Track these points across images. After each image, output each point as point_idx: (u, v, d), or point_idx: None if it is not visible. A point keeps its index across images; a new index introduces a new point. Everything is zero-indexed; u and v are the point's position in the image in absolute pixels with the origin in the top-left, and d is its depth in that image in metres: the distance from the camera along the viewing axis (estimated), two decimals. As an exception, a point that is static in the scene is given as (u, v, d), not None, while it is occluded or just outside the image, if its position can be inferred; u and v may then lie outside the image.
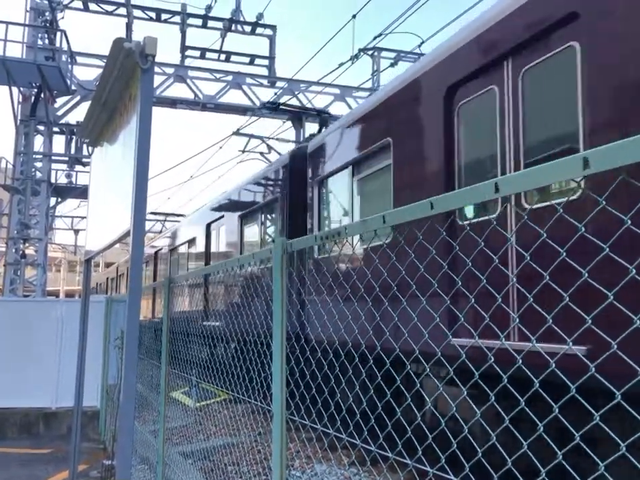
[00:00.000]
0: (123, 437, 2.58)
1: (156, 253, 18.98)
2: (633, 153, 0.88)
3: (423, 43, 14.18)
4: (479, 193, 1.17)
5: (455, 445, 1.63)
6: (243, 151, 17.60)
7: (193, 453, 5.94)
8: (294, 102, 17.70)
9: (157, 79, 16.37)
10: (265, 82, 17.41)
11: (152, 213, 25.68)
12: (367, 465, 5.08)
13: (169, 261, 16.85)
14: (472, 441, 1.79)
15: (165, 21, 16.72)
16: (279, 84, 17.42)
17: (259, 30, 17.26)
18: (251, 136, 17.11)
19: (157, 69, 17.27)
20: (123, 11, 16.14)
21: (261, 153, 17.78)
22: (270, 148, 17.48)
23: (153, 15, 16.53)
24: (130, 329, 2.59)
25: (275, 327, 1.89)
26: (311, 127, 17.01)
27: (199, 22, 16.83)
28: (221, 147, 20.11)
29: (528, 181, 1.10)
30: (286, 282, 1.90)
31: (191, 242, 14.39)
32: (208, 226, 12.82)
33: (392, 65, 16.92)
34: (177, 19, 16.68)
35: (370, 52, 16.61)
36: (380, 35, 13.83)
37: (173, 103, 16.60)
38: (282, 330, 1.88)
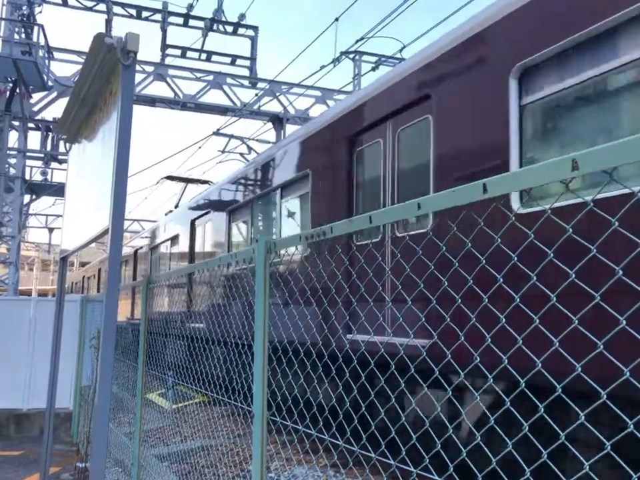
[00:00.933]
0: (98, 439, 2.53)
1: (193, 221, 12.11)
2: (620, 156, 0.89)
3: (404, 47, 14.31)
4: (468, 193, 1.17)
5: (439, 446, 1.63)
6: (223, 151, 17.51)
7: (170, 455, 5.87)
8: (275, 104, 17.68)
9: (137, 77, 16.13)
10: (246, 82, 17.34)
11: (168, 178, 17.45)
12: (348, 467, 5.07)
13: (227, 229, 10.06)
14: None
15: (146, 19, 16.54)
16: (260, 85, 17.38)
17: (241, 30, 17.19)
18: (231, 136, 17.03)
19: (136, 67, 17.05)
20: (102, 7, 15.93)
21: (241, 154, 17.72)
22: (250, 149, 17.43)
23: (133, 12, 16.33)
24: (107, 328, 2.55)
25: (256, 326, 1.87)
26: (292, 129, 17.02)
27: (180, 20, 16.70)
28: (200, 147, 19.91)
29: (516, 183, 1.10)
30: (268, 281, 1.89)
31: (293, 185, 7.85)
32: (352, 141, 6.41)
33: (373, 69, 17.02)
34: (158, 16, 16.51)
35: (351, 55, 16.67)
36: (362, 38, 13.90)
37: (153, 101, 16.43)
38: (264, 329, 1.86)
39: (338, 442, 2.39)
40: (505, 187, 1.12)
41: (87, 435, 6.05)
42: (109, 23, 15.63)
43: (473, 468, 1.59)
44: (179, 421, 7.26)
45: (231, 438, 6.46)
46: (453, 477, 1.89)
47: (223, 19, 16.90)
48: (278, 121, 17.49)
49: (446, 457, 1.68)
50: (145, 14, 16.48)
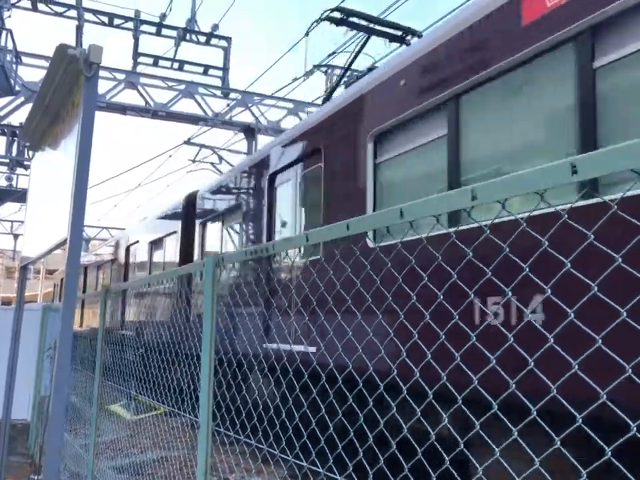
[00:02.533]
0: (51, 450, 2.51)
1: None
2: (619, 161, 0.94)
3: (375, 62, 14.53)
4: (454, 200, 1.20)
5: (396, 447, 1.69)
6: (194, 161, 17.45)
7: (126, 467, 5.80)
8: (247, 114, 17.74)
9: (107, 84, 16.05)
10: (218, 92, 17.36)
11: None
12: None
13: None
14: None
15: (118, 27, 16.44)
16: (232, 95, 17.42)
17: (214, 41, 17.22)
18: (202, 146, 17.00)
19: (107, 74, 16.89)
20: (73, 13, 15.78)
21: (212, 163, 17.69)
22: (221, 158, 17.42)
23: (105, 19, 16.23)
24: (63, 338, 2.55)
25: (204, 338, 1.92)
26: (263, 140, 17.08)
27: (153, 29, 16.64)
28: (170, 156, 19.81)
29: (510, 188, 1.11)
30: (216, 294, 1.94)
31: None
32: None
33: (345, 83, 17.21)
34: (130, 24, 16.43)
35: (323, 69, 16.86)
36: (334, 52, 14.07)
37: (123, 109, 16.31)
38: (210, 340, 1.91)
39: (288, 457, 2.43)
40: (496, 195, 1.16)
41: (41, 445, 5.94)
42: (79, 29, 15.50)
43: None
44: (137, 433, 7.18)
45: (187, 449, 6.42)
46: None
47: (196, 29, 16.92)
48: (250, 131, 17.53)
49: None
50: (117, 21, 16.39)
